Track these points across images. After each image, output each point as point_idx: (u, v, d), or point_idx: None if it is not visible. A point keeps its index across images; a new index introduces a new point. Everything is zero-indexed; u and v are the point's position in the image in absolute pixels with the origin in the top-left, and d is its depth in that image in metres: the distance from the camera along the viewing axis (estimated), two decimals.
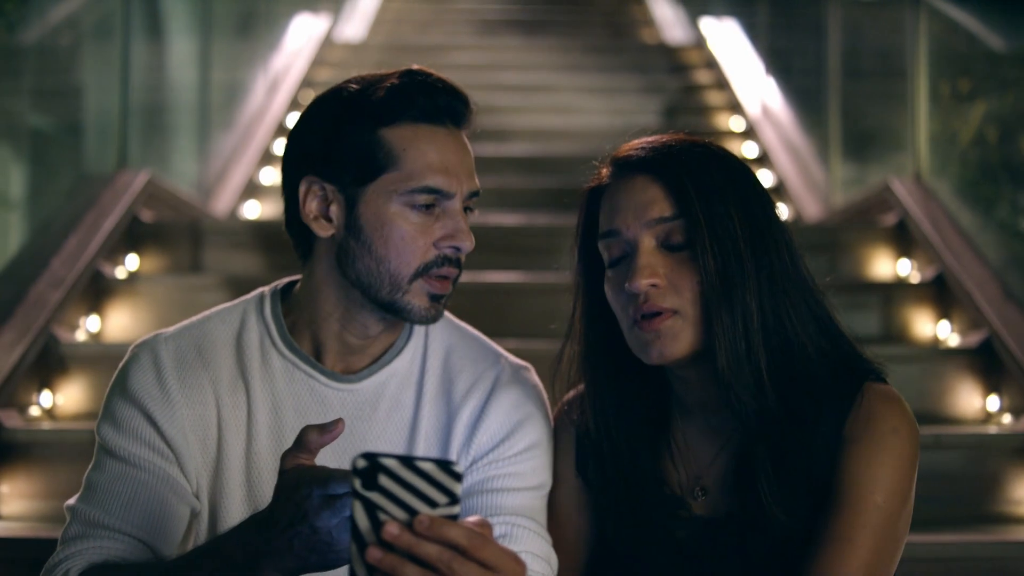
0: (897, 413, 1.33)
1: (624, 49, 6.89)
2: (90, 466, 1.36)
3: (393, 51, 6.90)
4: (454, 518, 0.94)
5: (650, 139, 1.41)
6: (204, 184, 4.37)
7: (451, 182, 1.33)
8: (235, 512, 1.35)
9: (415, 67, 1.35)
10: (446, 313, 1.45)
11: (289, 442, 1.30)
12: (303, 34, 6.32)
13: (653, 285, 1.32)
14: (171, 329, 1.42)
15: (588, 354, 1.45)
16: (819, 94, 4.72)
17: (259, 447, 1.36)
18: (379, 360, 1.41)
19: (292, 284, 1.45)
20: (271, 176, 4.92)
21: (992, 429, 2.67)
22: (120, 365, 1.39)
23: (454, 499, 0.94)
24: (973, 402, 2.78)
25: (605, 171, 1.41)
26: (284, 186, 1.39)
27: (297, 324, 1.40)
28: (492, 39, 7.26)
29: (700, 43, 6.72)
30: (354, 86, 1.36)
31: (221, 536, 1.18)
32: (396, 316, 1.36)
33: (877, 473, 1.30)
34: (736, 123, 5.56)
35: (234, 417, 1.37)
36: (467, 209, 1.38)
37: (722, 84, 6.03)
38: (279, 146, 5.18)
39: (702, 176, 1.34)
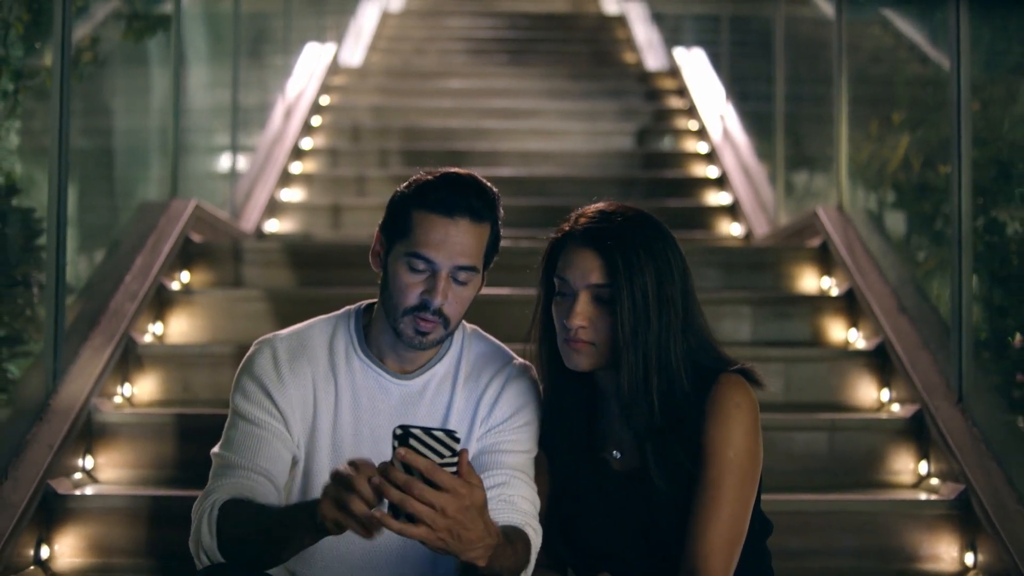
0: (740, 392, 1.83)
1: (604, 75, 7.38)
2: (226, 425, 1.90)
3: (391, 76, 7.38)
4: (455, 463, 1.53)
5: (602, 208, 1.89)
6: (234, 203, 4.96)
7: (438, 256, 1.82)
8: (323, 464, 1.89)
9: (440, 172, 1.87)
10: (479, 329, 2.03)
11: (363, 418, 1.91)
12: (312, 61, 6.88)
13: (582, 326, 1.86)
14: (284, 332, 1.96)
15: (541, 352, 1.97)
16: (769, 121, 5.24)
17: (342, 421, 1.91)
18: (426, 364, 1.94)
19: (372, 304, 1.96)
20: (289, 195, 5.53)
21: (883, 415, 3.28)
22: (247, 354, 1.93)
23: (455, 453, 1.53)
24: (871, 394, 3.41)
25: (567, 227, 1.90)
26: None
27: (372, 337, 1.94)
28: (483, 59, 7.74)
29: (674, 70, 7.24)
30: (416, 177, 1.88)
31: (298, 505, 1.75)
32: (398, 338, 1.87)
33: (727, 435, 1.81)
34: (702, 147, 6.14)
35: (325, 399, 1.91)
36: (458, 282, 1.85)
37: (691, 110, 6.59)
38: (295, 167, 5.81)
39: (628, 254, 1.84)
